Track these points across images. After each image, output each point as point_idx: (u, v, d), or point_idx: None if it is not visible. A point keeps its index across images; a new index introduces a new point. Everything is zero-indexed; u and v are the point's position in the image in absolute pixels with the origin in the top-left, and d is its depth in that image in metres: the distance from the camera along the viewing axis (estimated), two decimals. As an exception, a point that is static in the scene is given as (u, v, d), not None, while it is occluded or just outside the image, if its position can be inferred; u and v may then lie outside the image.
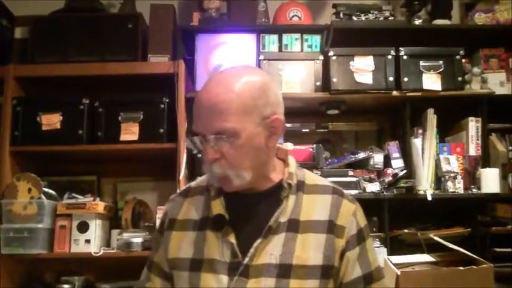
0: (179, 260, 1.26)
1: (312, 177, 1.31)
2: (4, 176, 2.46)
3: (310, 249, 1.20)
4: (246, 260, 1.20)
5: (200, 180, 1.37)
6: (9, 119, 2.51)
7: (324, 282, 1.21)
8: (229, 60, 2.65)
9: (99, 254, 2.38)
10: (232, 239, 1.22)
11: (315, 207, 1.24)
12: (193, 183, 1.37)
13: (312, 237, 1.21)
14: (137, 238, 2.37)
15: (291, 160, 1.30)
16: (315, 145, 2.54)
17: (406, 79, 2.54)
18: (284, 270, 1.18)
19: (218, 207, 1.25)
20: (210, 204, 1.27)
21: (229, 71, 1.24)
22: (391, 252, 2.36)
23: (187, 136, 1.26)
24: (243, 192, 1.25)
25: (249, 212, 1.24)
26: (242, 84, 1.19)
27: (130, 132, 2.48)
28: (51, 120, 2.51)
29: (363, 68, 2.54)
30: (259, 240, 1.20)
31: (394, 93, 2.54)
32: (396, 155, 2.56)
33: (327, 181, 1.32)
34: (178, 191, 1.40)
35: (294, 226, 1.22)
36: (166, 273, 1.32)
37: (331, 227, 1.22)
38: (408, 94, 2.55)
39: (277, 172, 1.28)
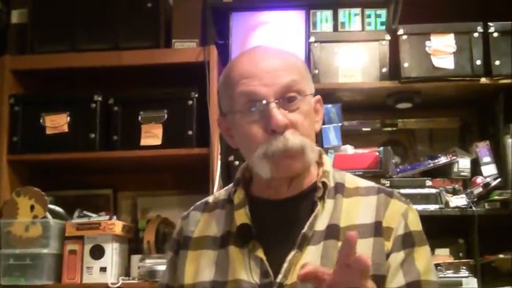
0: (198, 284, 1.26)
1: (353, 180, 1.33)
2: (1, 190, 2.47)
3: None
4: (280, 277, 1.19)
5: (218, 193, 1.39)
6: (6, 121, 2.52)
7: None
8: (272, 44, 2.57)
9: (117, 285, 2.37)
10: (260, 254, 1.22)
11: (358, 210, 1.25)
12: (210, 198, 1.39)
13: (357, 244, 1.16)
14: (163, 265, 2.25)
15: (326, 159, 1.33)
16: (381, 148, 2.51)
17: (497, 62, 2.49)
18: None
19: (242, 217, 1.26)
20: (232, 216, 1.28)
21: (265, 45, 1.33)
22: (482, 284, 2.33)
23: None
24: (271, 199, 1.28)
25: (279, 221, 1.25)
26: (293, 53, 1.30)
27: (152, 136, 2.49)
28: (57, 122, 2.52)
29: (442, 50, 2.51)
30: (293, 253, 1.20)
31: (483, 80, 2.50)
32: (487, 159, 2.52)
33: (372, 183, 1.33)
34: (192, 206, 1.41)
35: (334, 233, 1.22)
36: None
37: (379, 229, 1.22)
38: (501, 81, 2.50)
39: (311, 174, 1.30)
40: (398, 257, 1.20)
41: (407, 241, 1.22)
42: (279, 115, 1.19)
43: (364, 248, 1.19)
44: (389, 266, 1.20)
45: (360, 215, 1.24)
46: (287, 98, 1.20)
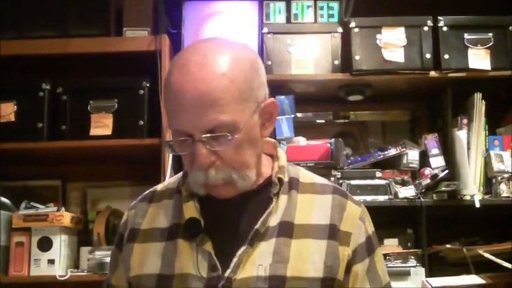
0: (143, 277, 1.25)
1: (308, 175, 1.33)
2: None
3: (307, 258, 1.20)
4: (228, 272, 1.18)
5: (168, 182, 1.38)
6: (-51, 110, 2.47)
7: None
8: (225, 34, 2.61)
9: (65, 278, 2.38)
10: (209, 247, 1.21)
11: (313, 209, 1.25)
12: (159, 186, 1.37)
13: (310, 244, 1.21)
14: (112, 257, 2.35)
15: (281, 153, 1.32)
16: (333, 139, 2.54)
17: (446, 56, 2.54)
18: (276, 284, 1.17)
19: (191, 210, 1.25)
20: (181, 207, 1.26)
21: (208, 47, 1.19)
22: (430, 273, 2.37)
23: (165, 142, 1.22)
24: None
25: (230, 215, 1.24)
26: (233, 64, 1.16)
27: (102, 126, 2.49)
28: (4, 111, 2.50)
29: (393, 43, 2.55)
30: (243, 248, 1.19)
31: (432, 73, 2.55)
32: (435, 151, 2.56)
33: (326, 180, 1.35)
34: (139, 196, 1.39)
35: (287, 230, 1.22)
36: None
37: (334, 233, 1.23)
38: (450, 75, 2.55)
39: (265, 168, 1.29)
40: (363, 266, 1.24)
41: (370, 247, 1.26)
42: (204, 154, 1.14)
43: (317, 249, 1.21)
44: (355, 275, 1.23)
45: (315, 215, 1.24)
46: (214, 136, 1.14)
